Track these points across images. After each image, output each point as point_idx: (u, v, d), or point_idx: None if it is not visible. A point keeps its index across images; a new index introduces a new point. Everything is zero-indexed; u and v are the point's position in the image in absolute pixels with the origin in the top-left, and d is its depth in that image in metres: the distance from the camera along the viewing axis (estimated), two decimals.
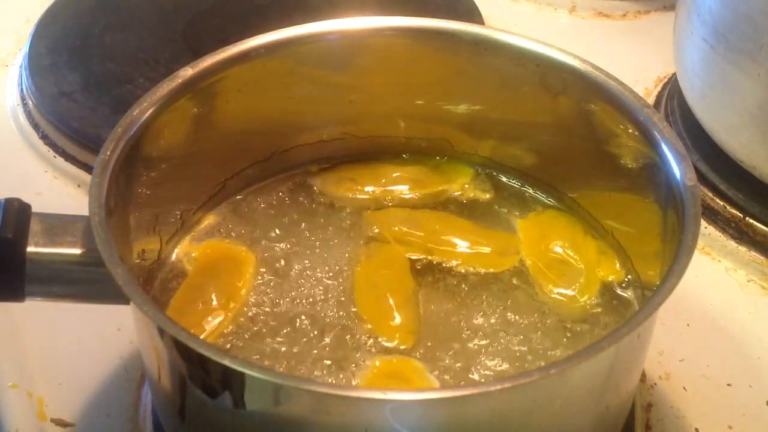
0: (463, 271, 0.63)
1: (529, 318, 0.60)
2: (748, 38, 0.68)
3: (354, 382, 0.56)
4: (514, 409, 0.49)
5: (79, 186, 0.78)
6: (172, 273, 0.62)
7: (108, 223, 0.51)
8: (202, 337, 0.58)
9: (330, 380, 0.57)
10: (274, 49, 0.63)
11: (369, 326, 0.59)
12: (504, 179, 0.69)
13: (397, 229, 0.65)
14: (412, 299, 0.61)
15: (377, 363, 0.57)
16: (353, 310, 0.60)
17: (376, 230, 0.65)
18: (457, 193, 0.68)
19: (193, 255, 0.63)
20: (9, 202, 0.53)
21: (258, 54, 0.62)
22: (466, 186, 0.68)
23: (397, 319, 0.60)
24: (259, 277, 0.62)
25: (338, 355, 0.58)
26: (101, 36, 0.88)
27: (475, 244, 0.64)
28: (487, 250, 0.64)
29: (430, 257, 0.64)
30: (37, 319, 0.67)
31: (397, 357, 0.58)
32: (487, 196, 0.68)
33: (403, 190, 0.68)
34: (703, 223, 0.74)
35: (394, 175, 0.68)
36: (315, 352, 0.58)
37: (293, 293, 0.61)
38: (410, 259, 0.63)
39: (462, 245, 0.64)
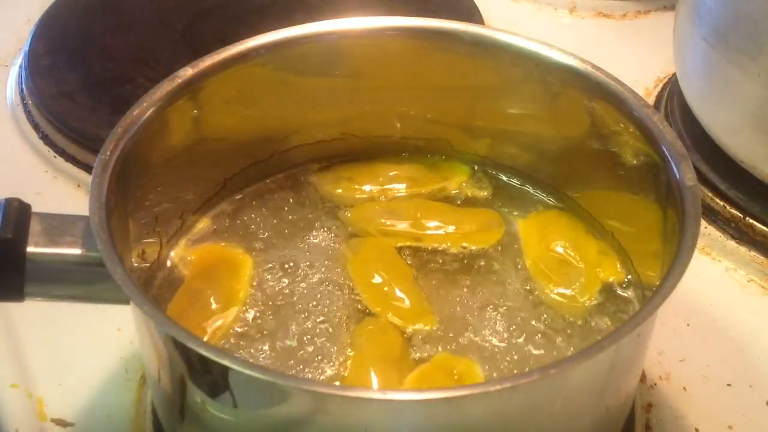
0: (455, 252, 0.63)
1: (529, 317, 0.60)
2: (748, 38, 0.68)
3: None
4: (514, 409, 0.49)
5: (79, 186, 0.78)
6: (171, 275, 0.62)
7: (108, 223, 0.51)
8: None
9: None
10: (274, 50, 0.63)
11: (387, 317, 0.59)
12: (504, 179, 0.69)
13: (378, 222, 0.65)
14: (414, 282, 0.62)
15: (431, 357, 0.58)
16: (358, 307, 0.60)
17: (361, 226, 0.65)
18: (454, 191, 0.68)
19: (190, 259, 0.63)
20: (9, 202, 0.53)
21: (257, 54, 0.62)
22: (464, 184, 0.68)
23: (410, 305, 0.60)
24: (257, 279, 0.62)
25: (345, 352, 0.58)
26: (101, 36, 0.88)
27: (459, 224, 0.65)
28: (470, 228, 0.65)
29: (418, 244, 0.64)
30: (37, 319, 0.67)
31: (452, 355, 0.58)
32: (485, 193, 0.68)
33: (400, 189, 0.68)
34: (703, 223, 0.74)
35: (391, 173, 0.69)
36: (318, 350, 0.58)
37: (292, 294, 0.61)
38: (399, 247, 0.64)
39: (446, 227, 0.65)
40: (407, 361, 0.57)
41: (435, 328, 0.59)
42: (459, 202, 0.67)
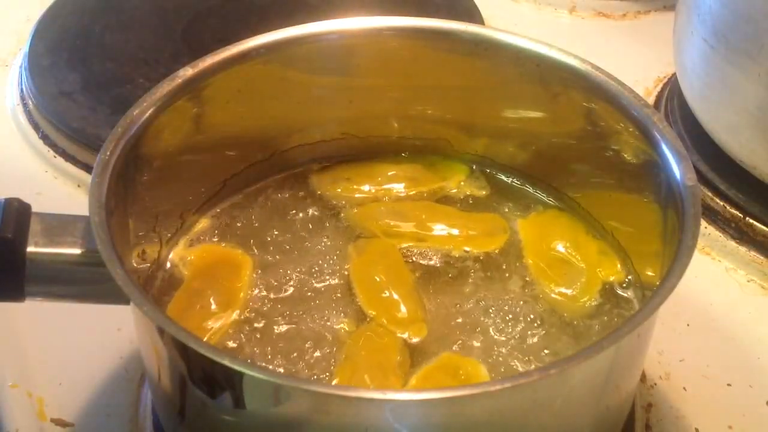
0: (458, 263, 0.63)
1: (529, 317, 0.60)
2: (748, 38, 0.68)
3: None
4: (514, 409, 0.49)
5: (79, 186, 0.78)
6: (171, 275, 0.62)
7: (108, 223, 0.51)
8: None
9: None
10: (274, 49, 0.63)
11: (381, 321, 0.59)
12: (503, 178, 0.69)
13: (383, 222, 0.65)
14: (413, 289, 0.61)
15: (440, 357, 0.58)
16: (357, 309, 0.60)
17: (365, 227, 0.65)
18: (453, 191, 0.68)
19: (190, 259, 0.63)
20: (9, 202, 0.53)
21: (258, 54, 0.62)
22: (462, 183, 0.68)
23: (405, 311, 0.60)
24: (258, 280, 0.62)
25: (343, 354, 0.58)
26: (101, 36, 0.88)
27: (463, 228, 0.65)
28: (475, 232, 0.65)
29: (421, 245, 0.64)
30: (37, 319, 0.67)
31: (458, 355, 0.58)
32: (483, 192, 0.68)
33: (399, 189, 0.68)
34: (703, 223, 0.74)
35: (390, 173, 0.69)
36: (317, 351, 0.58)
37: (291, 294, 0.61)
38: (402, 249, 0.64)
39: (450, 230, 0.65)
40: (404, 368, 0.57)
41: (424, 338, 0.59)
42: (458, 202, 0.67)
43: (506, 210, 0.67)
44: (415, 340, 0.59)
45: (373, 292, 0.61)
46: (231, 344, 0.58)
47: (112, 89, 0.83)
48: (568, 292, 0.62)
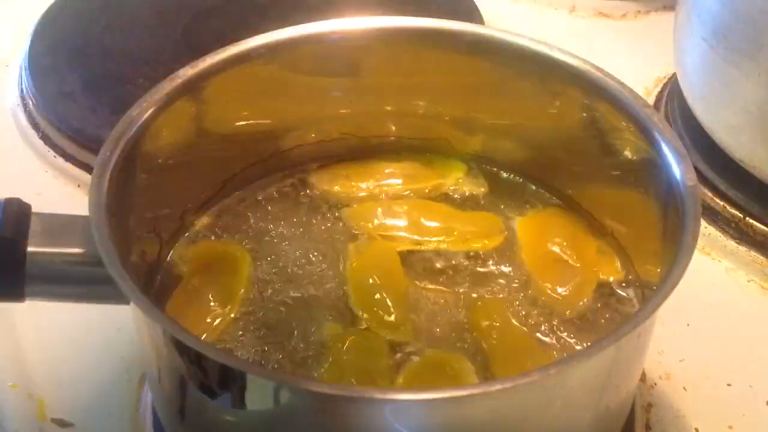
0: (453, 261, 0.63)
1: (527, 317, 0.60)
2: (748, 38, 0.68)
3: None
4: (514, 409, 0.49)
5: (79, 186, 0.78)
6: (171, 274, 0.62)
7: (108, 223, 0.52)
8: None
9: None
10: (274, 50, 0.63)
11: (370, 323, 0.59)
12: (503, 176, 0.69)
13: (378, 222, 0.65)
14: (404, 294, 0.61)
15: (425, 355, 0.58)
16: (350, 307, 0.60)
17: (360, 225, 0.65)
18: (451, 188, 0.68)
19: (189, 257, 0.63)
20: (9, 202, 0.53)
21: (258, 54, 0.62)
22: (460, 180, 0.68)
23: (393, 315, 0.60)
24: (256, 278, 0.62)
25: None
26: (101, 36, 0.88)
27: (459, 228, 0.65)
28: (471, 232, 0.65)
29: (417, 246, 0.64)
30: (37, 319, 0.67)
31: (445, 352, 0.58)
32: (482, 190, 0.68)
33: (397, 186, 0.68)
34: (703, 223, 0.74)
35: (387, 171, 0.68)
36: (316, 350, 0.58)
37: (291, 293, 0.61)
38: (397, 249, 0.64)
39: (446, 230, 0.65)
40: (391, 371, 0.57)
41: (413, 340, 0.58)
42: (457, 198, 0.67)
43: (504, 207, 0.67)
44: (400, 343, 0.58)
45: (366, 294, 0.61)
46: (230, 342, 0.58)
47: (112, 89, 0.82)
48: (567, 291, 0.62)
